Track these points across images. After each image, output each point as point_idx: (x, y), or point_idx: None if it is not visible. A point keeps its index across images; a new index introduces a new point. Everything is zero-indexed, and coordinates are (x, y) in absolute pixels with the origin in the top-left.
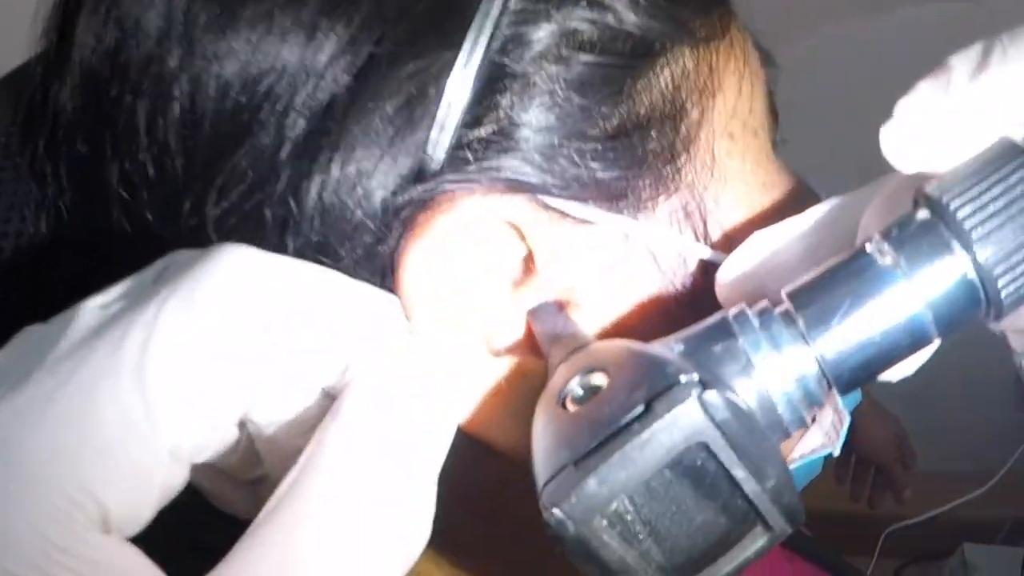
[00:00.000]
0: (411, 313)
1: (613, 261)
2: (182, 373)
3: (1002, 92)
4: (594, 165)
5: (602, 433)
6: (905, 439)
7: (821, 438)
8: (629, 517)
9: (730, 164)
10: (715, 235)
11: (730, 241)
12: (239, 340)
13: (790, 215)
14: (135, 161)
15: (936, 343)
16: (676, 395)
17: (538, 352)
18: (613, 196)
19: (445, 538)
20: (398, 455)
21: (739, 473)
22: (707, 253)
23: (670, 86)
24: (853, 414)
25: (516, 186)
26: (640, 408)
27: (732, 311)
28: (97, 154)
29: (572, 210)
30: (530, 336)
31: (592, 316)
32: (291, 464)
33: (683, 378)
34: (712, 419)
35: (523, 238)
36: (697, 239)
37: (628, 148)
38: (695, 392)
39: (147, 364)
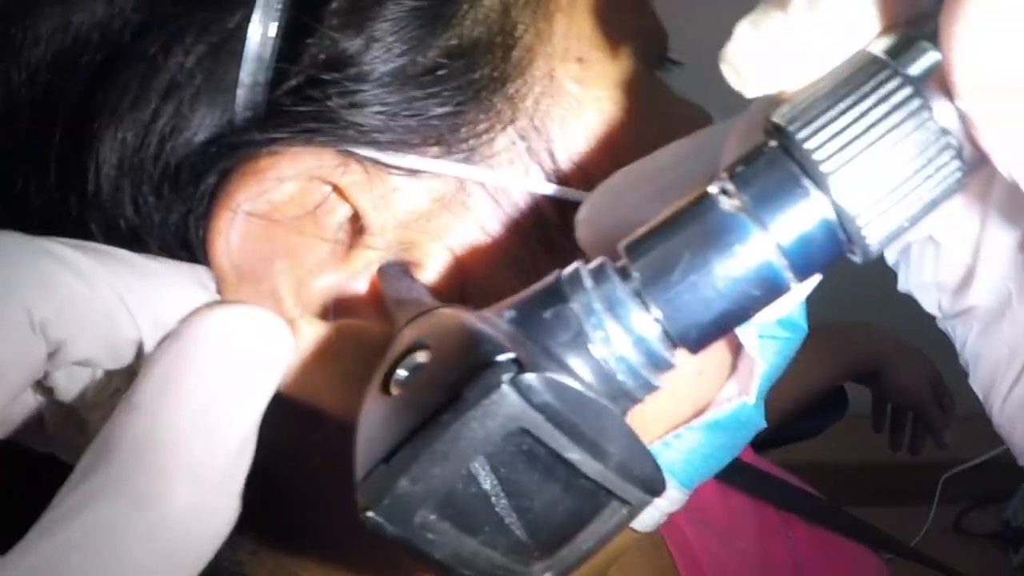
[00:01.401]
0: (225, 284)
1: (448, 207)
2: None
3: (855, 2)
4: (413, 107)
5: (414, 424)
6: (939, 380)
7: (735, 388)
8: (462, 504)
9: (582, 91)
10: (568, 170)
11: (589, 178)
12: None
13: None
14: None
15: (796, 288)
16: (488, 380)
17: (382, 314)
18: (439, 139)
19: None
20: (194, 435)
21: (574, 455)
22: (556, 190)
23: (496, 7)
24: (881, 363)
25: (325, 139)
26: (453, 395)
27: (566, 270)
28: None
29: (393, 160)
30: (373, 297)
31: (435, 271)
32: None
33: (499, 358)
34: (530, 403)
35: (345, 196)
36: (548, 178)
37: (450, 81)
38: (506, 377)
39: None
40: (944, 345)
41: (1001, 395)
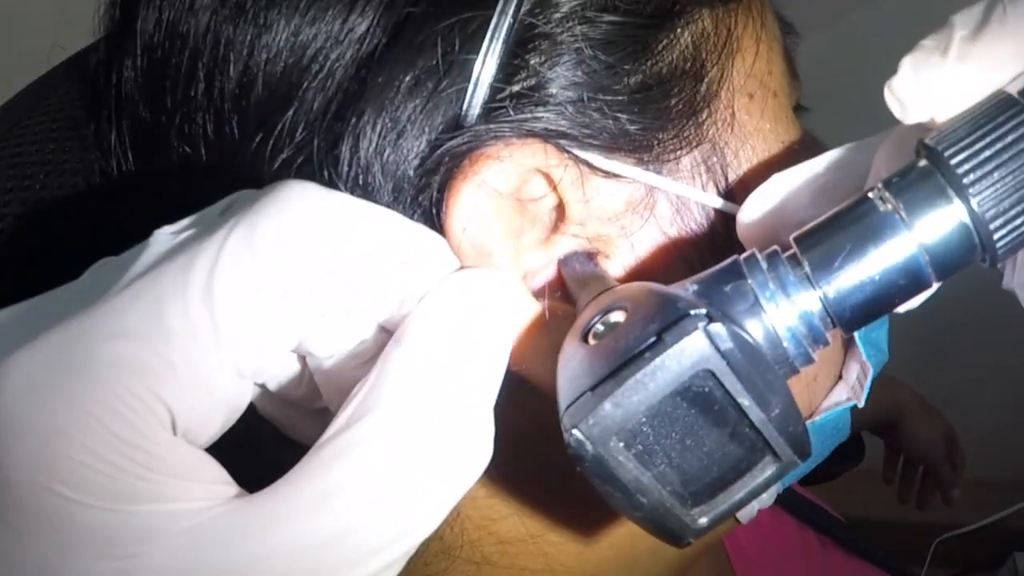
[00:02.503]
0: (460, 255)
1: (637, 210)
2: (244, 297)
3: (999, 49)
4: (620, 118)
5: (618, 362)
6: (954, 439)
7: (847, 391)
8: (645, 441)
9: (749, 121)
10: (735, 188)
11: (750, 194)
12: (298, 271)
13: None
14: (194, 123)
15: (935, 286)
16: (685, 326)
17: (567, 297)
18: (638, 149)
19: (499, 467)
20: (458, 384)
21: (744, 401)
22: (726, 205)
23: (690, 46)
24: (900, 414)
25: (547, 137)
26: (652, 339)
27: (743, 255)
28: (157, 118)
29: (600, 163)
30: (561, 281)
31: (618, 263)
32: (348, 394)
33: (692, 312)
34: (717, 348)
35: (555, 188)
36: (718, 192)
37: (651, 103)
38: (701, 324)
39: (214, 286)
40: (948, 404)
41: None
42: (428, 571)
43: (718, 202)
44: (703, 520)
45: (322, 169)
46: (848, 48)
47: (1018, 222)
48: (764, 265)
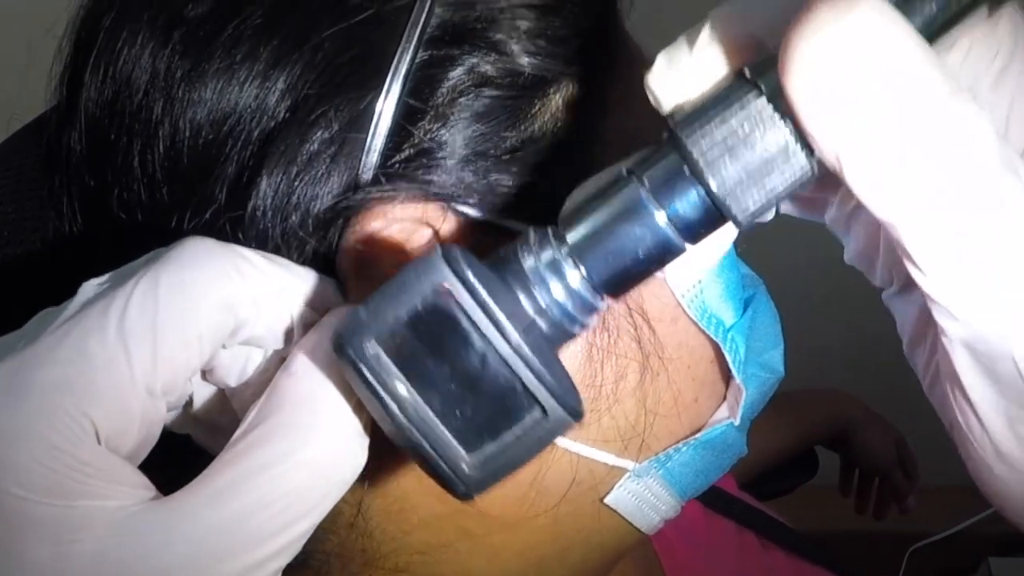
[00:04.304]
0: (348, 293)
1: None
2: (150, 331)
3: (734, 34)
4: (496, 177)
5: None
6: (905, 447)
7: (726, 411)
8: (405, 356)
9: None
10: None
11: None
12: (194, 310)
13: None
14: (130, 190)
15: (689, 248)
16: (428, 254)
17: None
18: (514, 204)
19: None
20: (331, 405)
21: (484, 325)
22: None
23: (561, 108)
24: (850, 427)
25: (431, 196)
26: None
27: (519, 241)
28: (100, 185)
29: (479, 216)
30: None
31: None
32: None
33: (444, 248)
34: (452, 268)
35: (437, 236)
36: None
37: (525, 163)
38: (440, 249)
39: (125, 323)
40: (912, 412)
41: (921, 373)
42: None
43: None
44: (477, 471)
45: (232, 229)
46: None
47: (749, 193)
48: (534, 243)
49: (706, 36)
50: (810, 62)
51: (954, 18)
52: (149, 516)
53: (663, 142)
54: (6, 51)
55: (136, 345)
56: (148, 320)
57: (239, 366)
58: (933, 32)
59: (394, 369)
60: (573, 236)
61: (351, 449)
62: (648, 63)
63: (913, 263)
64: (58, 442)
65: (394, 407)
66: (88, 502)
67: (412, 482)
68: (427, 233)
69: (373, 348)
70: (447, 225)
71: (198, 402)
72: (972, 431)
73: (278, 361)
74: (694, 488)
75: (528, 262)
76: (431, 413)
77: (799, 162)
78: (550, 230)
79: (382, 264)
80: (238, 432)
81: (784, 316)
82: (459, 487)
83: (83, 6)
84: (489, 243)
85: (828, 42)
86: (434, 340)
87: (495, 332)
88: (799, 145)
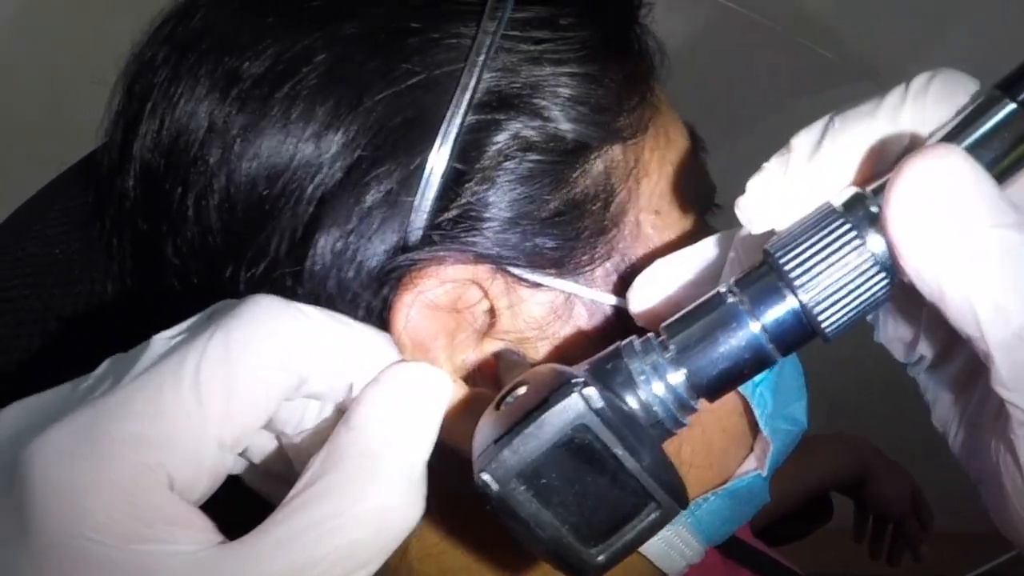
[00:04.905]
0: (401, 351)
1: (558, 315)
2: (224, 387)
3: (827, 170)
4: (539, 240)
5: (515, 420)
6: (920, 496)
7: (754, 462)
8: (543, 484)
9: (655, 235)
10: None
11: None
12: (264, 367)
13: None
14: (184, 237)
15: (778, 360)
16: (565, 390)
17: (496, 385)
18: (557, 263)
19: (441, 512)
20: (390, 454)
21: (618, 451)
22: None
23: (602, 173)
24: (867, 474)
25: (479, 257)
26: (542, 402)
27: (624, 342)
28: (154, 231)
29: (524, 275)
30: (492, 370)
31: (539, 355)
32: None
33: (573, 380)
34: (589, 407)
35: (487, 295)
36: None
37: (567, 224)
38: (577, 388)
39: (200, 378)
40: (935, 460)
41: (952, 434)
42: None
43: (626, 304)
44: (601, 558)
45: (287, 281)
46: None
47: (838, 309)
48: (638, 348)
49: (796, 167)
50: (906, 200)
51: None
52: (218, 561)
53: (758, 264)
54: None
55: (209, 401)
56: (221, 377)
57: (296, 417)
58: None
59: (534, 499)
60: (677, 343)
61: (410, 502)
62: (738, 193)
63: (1000, 382)
64: (135, 492)
65: (539, 532)
66: (162, 547)
67: (451, 526)
68: (476, 292)
69: (515, 483)
70: (495, 285)
71: (254, 448)
72: (1016, 490)
73: (336, 414)
74: (719, 535)
75: (635, 366)
76: (565, 530)
77: (879, 283)
78: (653, 337)
79: (433, 322)
80: (301, 482)
81: (804, 362)
82: None
83: (134, 55)
84: (529, 304)
85: (921, 185)
86: (568, 467)
87: (627, 455)
88: (879, 269)
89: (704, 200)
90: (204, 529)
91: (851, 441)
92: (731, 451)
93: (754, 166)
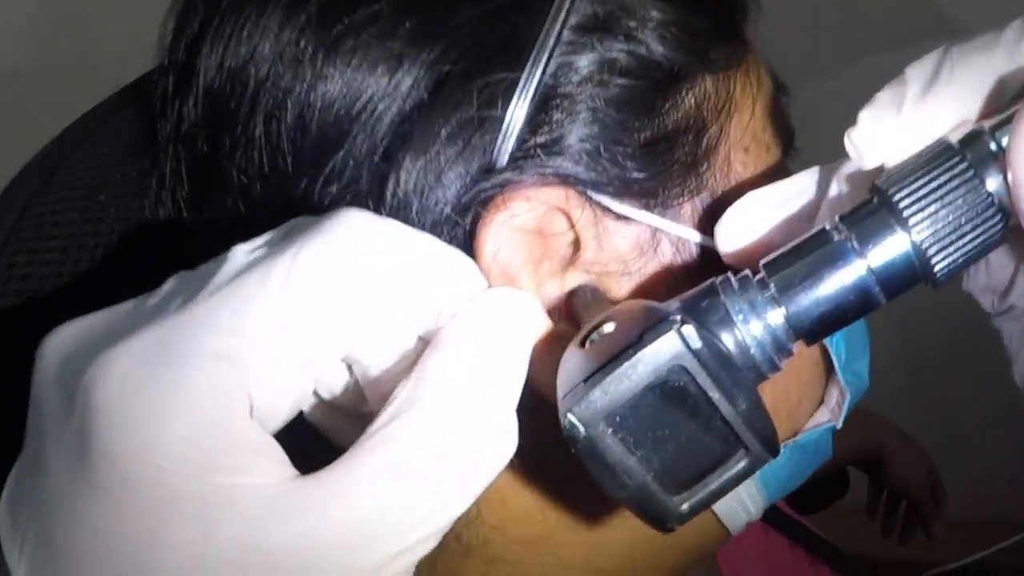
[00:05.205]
0: (488, 279)
1: (643, 250)
2: (314, 305)
3: (944, 104)
4: (629, 168)
5: (606, 358)
6: (936, 476)
7: (827, 414)
8: (631, 428)
9: (744, 172)
10: None
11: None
12: (355, 285)
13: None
14: (250, 159)
15: (883, 302)
16: (661, 328)
17: (575, 323)
18: (645, 195)
19: (514, 470)
20: (485, 385)
21: (714, 395)
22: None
23: (693, 106)
24: (884, 450)
25: (566, 182)
26: (636, 339)
27: (720, 278)
28: (216, 153)
29: (612, 205)
30: (571, 308)
31: (621, 292)
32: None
33: (670, 317)
34: (688, 347)
35: (573, 226)
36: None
37: (658, 155)
38: (675, 327)
39: (290, 292)
40: (948, 443)
41: None
42: (447, 568)
43: (714, 242)
44: (684, 507)
45: (367, 203)
46: (838, 101)
47: (952, 251)
48: (736, 285)
49: (912, 101)
50: None
51: None
52: (299, 496)
53: (867, 200)
54: None
55: (299, 319)
56: (312, 293)
57: (375, 344)
58: None
59: (620, 443)
60: (777, 281)
61: (506, 433)
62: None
63: None
64: (215, 415)
65: (625, 479)
66: (238, 479)
67: (521, 471)
68: (561, 220)
69: (604, 426)
70: (584, 214)
71: (322, 377)
72: None
73: (421, 343)
74: (782, 491)
75: (732, 304)
76: (651, 477)
77: (995, 226)
78: (750, 274)
79: (520, 250)
80: (387, 413)
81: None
82: (668, 526)
83: None
84: (616, 237)
85: None
86: (659, 410)
87: (723, 399)
88: (996, 210)
89: (787, 143)
90: (282, 462)
91: (870, 416)
92: (804, 402)
93: (827, 113)
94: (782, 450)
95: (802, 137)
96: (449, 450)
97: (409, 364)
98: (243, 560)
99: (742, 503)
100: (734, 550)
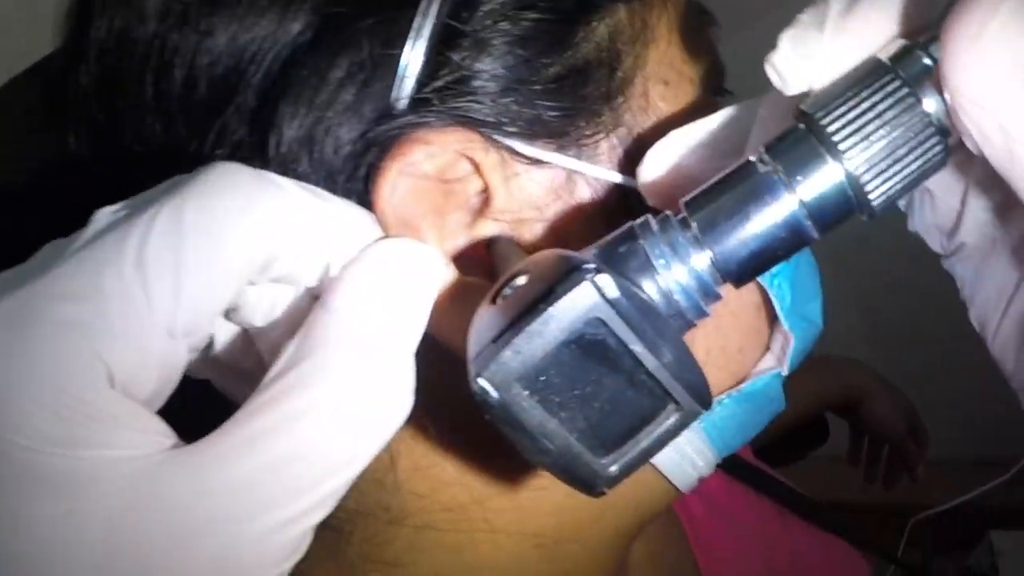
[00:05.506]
0: (387, 229)
1: (559, 194)
2: (173, 264)
3: (871, 20)
4: (539, 107)
5: (517, 314)
6: (916, 416)
7: (772, 360)
8: (550, 388)
9: (664, 107)
10: None
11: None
12: (222, 242)
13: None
14: (144, 123)
15: (816, 238)
16: (574, 278)
17: (489, 275)
18: (557, 135)
19: (437, 435)
20: (374, 340)
21: (636, 348)
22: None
23: (606, 37)
24: (861, 394)
25: (471, 124)
26: (547, 292)
27: (638, 220)
28: (111, 119)
29: (522, 148)
30: (490, 261)
31: (539, 239)
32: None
33: (583, 266)
34: (604, 297)
35: (480, 173)
36: (634, 175)
37: (568, 92)
38: (589, 276)
39: (145, 255)
40: (932, 384)
41: (992, 329)
42: (378, 539)
43: (634, 182)
44: (613, 468)
45: (252, 160)
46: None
47: (889, 178)
48: (656, 228)
49: (836, 18)
50: (966, 41)
51: None
52: (171, 467)
53: (793, 128)
54: None
55: (157, 280)
56: (170, 252)
57: (267, 305)
58: None
59: (538, 405)
60: (700, 220)
61: (397, 394)
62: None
63: None
64: (68, 386)
65: (546, 444)
66: (102, 452)
67: (444, 436)
68: (467, 166)
69: (517, 388)
70: (489, 158)
71: (220, 344)
72: None
73: (310, 300)
74: (733, 444)
75: (653, 248)
76: (574, 439)
77: (935, 149)
78: (671, 215)
79: (422, 200)
80: (271, 374)
81: None
82: (597, 490)
83: None
84: (527, 181)
85: (983, 19)
86: (579, 367)
87: (646, 352)
88: (935, 131)
89: (715, 79)
90: (154, 432)
91: (846, 362)
92: (747, 350)
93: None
94: (727, 401)
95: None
96: (335, 413)
97: (299, 320)
98: (110, 538)
99: (688, 459)
100: (694, 506)
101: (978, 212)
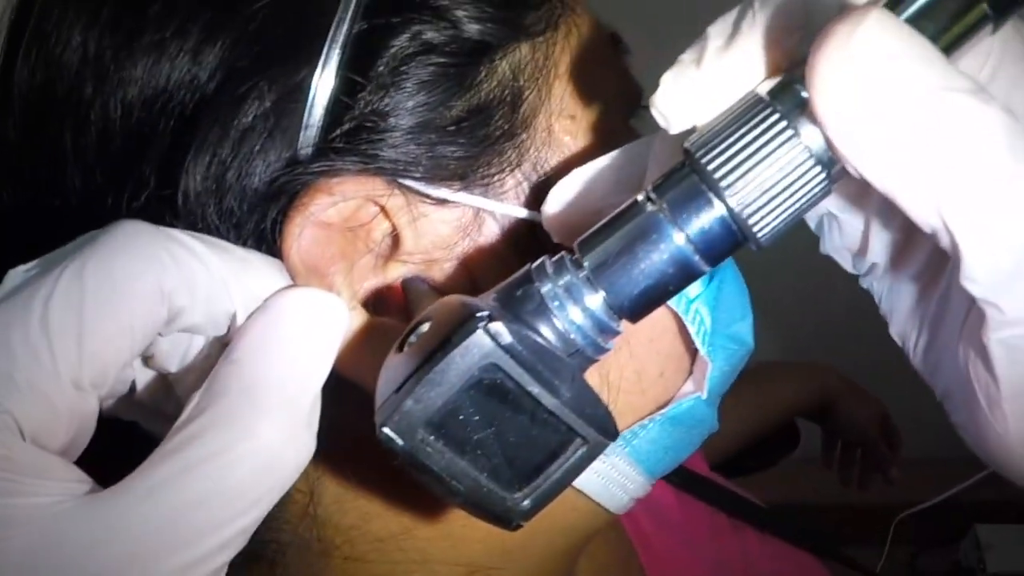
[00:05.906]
0: (295, 276)
1: (467, 232)
2: (75, 323)
3: (748, 55)
4: (442, 148)
5: (417, 364)
6: (887, 418)
7: (691, 385)
8: (455, 431)
9: (571, 141)
10: None
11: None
12: (124, 299)
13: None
14: (64, 176)
15: (707, 271)
16: (468, 327)
17: (404, 315)
18: (461, 175)
19: (360, 470)
20: (281, 381)
21: (534, 389)
22: None
23: (508, 75)
24: (832, 399)
25: (375, 170)
26: (444, 341)
27: (534, 263)
28: (33, 170)
29: (426, 190)
30: (400, 301)
31: (450, 279)
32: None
33: (477, 314)
34: (498, 343)
35: (387, 216)
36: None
37: (470, 131)
38: (481, 324)
39: (49, 314)
40: (894, 385)
41: (911, 344)
42: (310, 571)
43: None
44: (526, 502)
45: (165, 215)
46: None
47: (772, 211)
48: (550, 270)
49: (713, 55)
50: (832, 75)
51: (964, 32)
52: (83, 512)
53: (678, 165)
54: None
55: (60, 338)
56: (73, 311)
57: (180, 352)
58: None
59: (446, 448)
60: (591, 261)
61: (298, 439)
62: (653, 87)
63: (970, 276)
64: None
65: (456, 484)
66: (14, 500)
67: (368, 469)
68: (373, 210)
69: (422, 434)
70: (393, 201)
71: (141, 387)
72: (989, 401)
73: (220, 347)
74: (663, 466)
75: (547, 290)
76: (484, 477)
77: (817, 179)
78: (566, 256)
79: (330, 246)
80: (177, 423)
81: (765, 292)
82: (512, 524)
83: None
84: (434, 222)
85: (845, 58)
86: (481, 410)
87: (544, 392)
88: (816, 162)
89: (628, 104)
90: (67, 479)
91: (814, 367)
92: (668, 374)
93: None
94: (651, 425)
95: None
96: (236, 459)
97: (211, 366)
98: None
99: (616, 482)
100: (644, 522)
101: (883, 234)
